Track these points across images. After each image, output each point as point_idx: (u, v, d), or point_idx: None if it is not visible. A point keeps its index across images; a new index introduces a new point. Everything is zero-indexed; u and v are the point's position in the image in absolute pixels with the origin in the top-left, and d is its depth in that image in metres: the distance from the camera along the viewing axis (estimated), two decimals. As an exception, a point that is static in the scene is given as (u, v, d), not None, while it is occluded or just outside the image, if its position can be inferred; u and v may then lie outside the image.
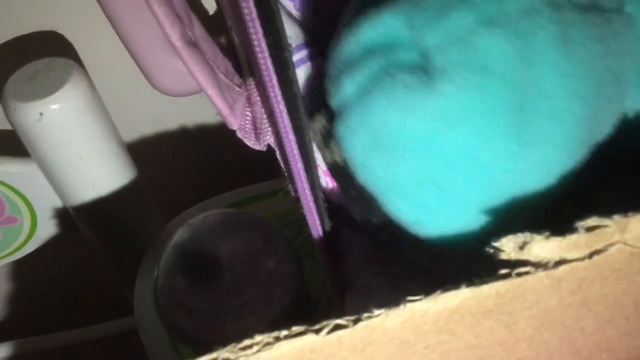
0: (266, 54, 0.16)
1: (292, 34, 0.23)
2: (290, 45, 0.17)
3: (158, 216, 0.39)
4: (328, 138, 0.21)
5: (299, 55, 0.23)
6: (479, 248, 0.17)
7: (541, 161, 0.18)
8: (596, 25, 0.18)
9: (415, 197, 0.19)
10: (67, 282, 0.48)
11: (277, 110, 0.18)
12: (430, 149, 0.18)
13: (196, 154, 0.45)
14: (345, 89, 0.19)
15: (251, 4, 0.15)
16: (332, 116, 0.20)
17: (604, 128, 0.19)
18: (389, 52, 0.18)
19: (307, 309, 0.30)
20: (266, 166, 0.27)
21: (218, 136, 0.42)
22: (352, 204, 0.22)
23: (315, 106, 0.21)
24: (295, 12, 0.25)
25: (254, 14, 0.15)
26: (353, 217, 0.24)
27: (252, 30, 0.16)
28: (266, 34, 0.16)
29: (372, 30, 0.18)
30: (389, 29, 0.18)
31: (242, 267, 0.27)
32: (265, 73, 0.17)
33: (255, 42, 0.16)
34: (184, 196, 0.40)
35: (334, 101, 0.19)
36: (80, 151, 0.32)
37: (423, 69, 0.17)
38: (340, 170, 0.21)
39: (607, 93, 0.19)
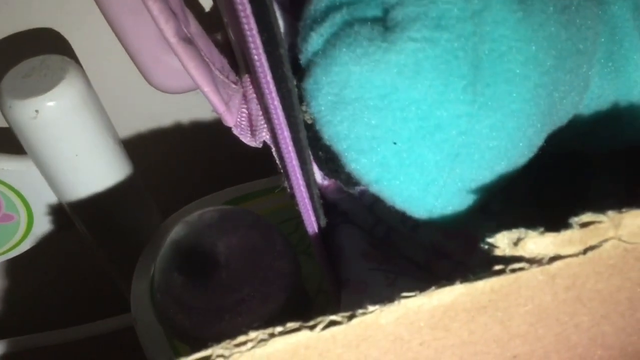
0: (260, 50, 0.16)
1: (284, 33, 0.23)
2: (284, 42, 0.17)
3: (155, 213, 0.39)
4: (300, 100, 0.21)
5: None
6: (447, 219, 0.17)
7: (498, 125, 0.18)
8: None
9: (375, 153, 0.19)
10: (63, 280, 0.48)
11: (271, 106, 0.18)
12: (389, 104, 0.18)
13: (193, 151, 0.45)
14: (311, 44, 0.19)
15: (245, 1, 0.15)
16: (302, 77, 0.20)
17: (567, 103, 0.20)
18: (352, 7, 0.18)
19: (304, 306, 0.30)
20: (263, 163, 0.26)
21: (215, 133, 0.41)
22: (321, 166, 0.22)
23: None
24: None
25: (248, 11, 0.15)
26: (349, 214, 0.24)
27: (246, 27, 0.16)
28: (260, 31, 0.16)
29: None
30: None
31: (239, 264, 0.26)
32: (259, 70, 0.17)
33: (250, 39, 0.16)
34: (181, 193, 0.39)
35: (303, 58, 0.20)
36: (76, 148, 0.32)
37: (384, 24, 0.18)
38: (310, 131, 0.21)
39: (568, 64, 0.19)
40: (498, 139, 0.18)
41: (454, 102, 0.18)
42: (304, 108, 0.20)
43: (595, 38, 0.20)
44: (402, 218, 0.22)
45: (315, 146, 0.21)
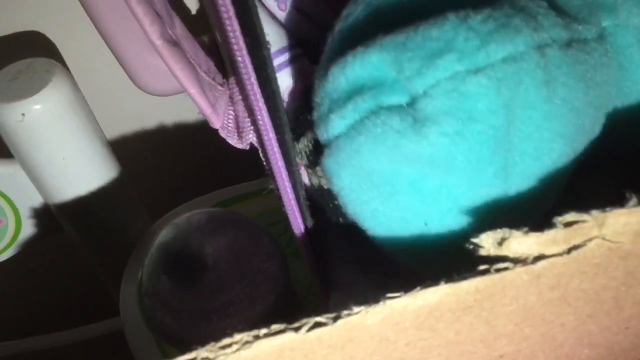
0: (244, 52, 0.16)
1: (274, 36, 0.23)
2: (268, 43, 0.17)
3: (144, 216, 0.38)
4: (314, 162, 0.21)
5: (281, 59, 0.23)
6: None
7: (523, 195, 0.18)
8: (579, 61, 0.18)
9: (402, 232, 0.19)
10: (52, 284, 0.48)
11: (256, 108, 0.18)
12: (419, 189, 0.18)
13: (182, 153, 0.45)
14: (334, 127, 0.19)
15: (228, 2, 0.15)
16: (317, 141, 0.20)
17: (580, 152, 0.20)
18: (377, 93, 0.18)
19: (293, 308, 0.29)
20: (252, 165, 0.26)
21: (203, 135, 0.41)
22: (335, 223, 0.22)
23: (299, 123, 0.21)
24: (279, 13, 0.25)
25: (231, 12, 0.15)
26: (337, 217, 0.24)
27: (229, 28, 0.15)
28: (244, 32, 0.16)
29: (359, 69, 0.18)
30: (376, 69, 0.18)
31: (227, 266, 0.26)
32: (243, 71, 0.17)
33: (233, 40, 0.16)
34: (170, 196, 0.39)
35: (322, 136, 0.19)
36: (63, 151, 0.32)
37: (412, 115, 0.17)
38: (325, 194, 0.21)
39: (587, 126, 0.19)
40: (520, 207, 0.19)
41: (487, 185, 0.18)
42: (319, 172, 0.20)
43: (610, 90, 0.20)
44: None
45: (333, 211, 0.21)
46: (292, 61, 0.23)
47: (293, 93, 0.23)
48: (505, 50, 0.17)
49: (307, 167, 0.21)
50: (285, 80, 0.23)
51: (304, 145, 0.21)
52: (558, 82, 0.18)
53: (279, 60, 0.23)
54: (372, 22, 0.19)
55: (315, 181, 0.22)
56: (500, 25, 0.17)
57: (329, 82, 0.18)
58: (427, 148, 0.17)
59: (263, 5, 0.24)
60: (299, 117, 0.22)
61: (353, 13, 0.19)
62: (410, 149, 0.17)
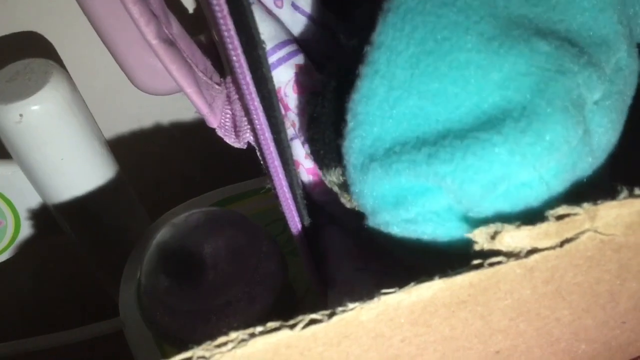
0: (239, 51, 0.16)
1: (271, 32, 0.23)
2: (263, 42, 0.17)
3: (143, 216, 0.38)
4: (346, 190, 0.21)
5: (280, 54, 0.23)
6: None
7: None
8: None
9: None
10: (51, 284, 0.48)
11: (252, 107, 0.18)
12: None
13: (180, 152, 0.45)
14: (382, 219, 0.19)
15: (222, 1, 0.15)
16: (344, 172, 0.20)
17: None
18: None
19: (292, 307, 0.29)
20: (251, 163, 0.26)
21: (202, 134, 0.41)
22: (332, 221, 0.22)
23: (316, 124, 0.21)
24: (275, 10, 0.25)
25: (225, 11, 0.15)
26: (335, 215, 0.24)
27: (223, 28, 0.16)
28: (238, 31, 0.16)
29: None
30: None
31: (226, 265, 0.26)
32: (239, 71, 0.17)
33: (228, 40, 0.16)
34: (169, 195, 0.39)
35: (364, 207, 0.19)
36: (62, 152, 0.32)
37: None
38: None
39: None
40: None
41: None
42: (338, 171, 0.20)
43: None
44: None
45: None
46: (292, 55, 0.23)
47: (297, 87, 0.23)
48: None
49: (340, 194, 0.21)
50: (286, 74, 0.23)
51: (334, 176, 0.21)
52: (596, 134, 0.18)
53: (279, 55, 0.23)
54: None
55: (348, 204, 0.22)
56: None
57: (369, 182, 0.18)
58: None
59: (259, 1, 0.24)
60: (313, 116, 0.21)
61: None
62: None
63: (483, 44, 0.17)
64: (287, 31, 0.24)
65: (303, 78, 0.23)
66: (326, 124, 0.20)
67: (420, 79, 0.17)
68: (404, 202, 0.17)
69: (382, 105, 0.17)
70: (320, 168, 0.21)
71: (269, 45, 0.22)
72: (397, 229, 0.18)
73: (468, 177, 0.16)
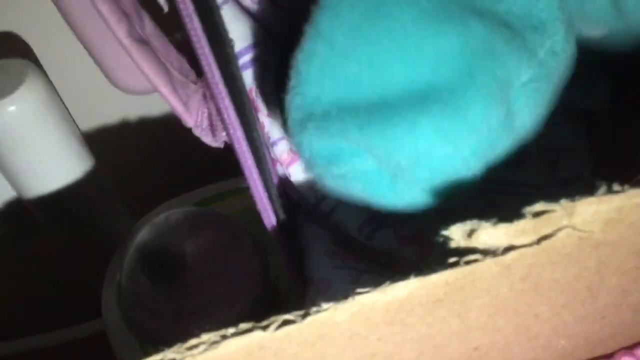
0: (206, 50, 0.16)
1: (244, 32, 0.23)
2: (232, 40, 0.16)
3: (125, 216, 0.38)
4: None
5: (251, 55, 0.23)
6: None
7: None
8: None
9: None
10: (35, 285, 0.47)
11: (222, 106, 0.17)
12: None
13: (162, 151, 0.44)
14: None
15: (187, 0, 0.15)
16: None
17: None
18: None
19: (274, 306, 0.29)
20: (232, 162, 0.26)
21: (183, 132, 0.41)
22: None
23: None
24: (252, 5, 0.25)
25: (191, 10, 0.15)
26: (313, 213, 0.24)
27: (190, 26, 0.15)
28: (205, 30, 0.15)
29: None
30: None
31: (206, 265, 0.26)
32: (207, 69, 0.17)
33: (195, 39, 0.16)
34: (153, 195, 0.39)
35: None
36: (40, 153, 0.31)
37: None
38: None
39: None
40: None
41: None
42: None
43: None
44: (359, 227, 0.22)
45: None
46: (253, 63, 0.23)
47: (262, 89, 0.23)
48: None
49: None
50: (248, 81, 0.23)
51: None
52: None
53: (250, 55, 0.22)
54: None
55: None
56: None
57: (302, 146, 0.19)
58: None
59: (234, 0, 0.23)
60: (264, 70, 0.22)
61: None
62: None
63: (423, 19, 0.18)
64: (260, 30, 0.24)
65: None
66: (273, 76, 0.21)
67: (360, 46, 0.18)
68: (336, 159, 0.19)
69: (323, 68, 0.18)
70: (269, 115, 0.22)
71: (241, 45, 0.22)
72: (331, 183, 0.20)
73: (395, 149, 0.18)
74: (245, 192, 0.35)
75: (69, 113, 0.33)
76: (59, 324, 0.42)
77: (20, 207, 0.36)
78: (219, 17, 0.16)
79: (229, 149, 0.24)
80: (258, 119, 0.22)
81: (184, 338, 0.15)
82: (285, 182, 0.23)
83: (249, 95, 0.21)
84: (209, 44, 0.16)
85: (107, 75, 0.31)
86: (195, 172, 0.42)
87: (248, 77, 0.21)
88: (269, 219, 0.21)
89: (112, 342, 0.31)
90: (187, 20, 0.15)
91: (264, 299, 0.27)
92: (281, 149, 0.23)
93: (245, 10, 0.24)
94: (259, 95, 0.22)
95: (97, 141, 0.42)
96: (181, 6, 0.15)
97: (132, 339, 0.30)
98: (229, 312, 0.26)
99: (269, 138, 0.22)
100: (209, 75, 0.17)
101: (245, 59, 0.22)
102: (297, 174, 0.23)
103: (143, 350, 0.31)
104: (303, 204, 0.23)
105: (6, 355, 0.39)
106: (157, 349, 0.29)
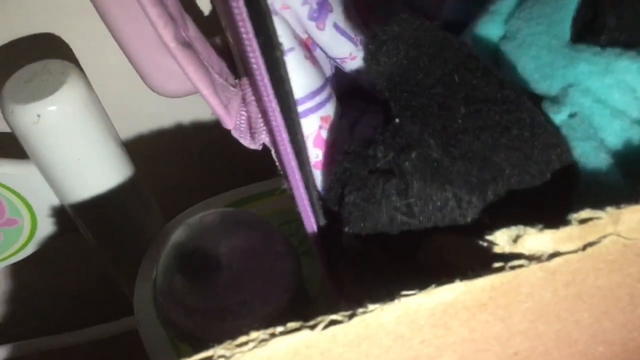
0: (257, 53, 0.16)
1: (306, 82, 0.23)
2: (281, 44, 0.17)
3: (158, 216, 0.39)
4: None
5: (307, 105, 0.23)
6: None
7: None
8: None
9: None
10: (67, 283, 0.48)
11: (269, 109, 0.18)
12: None
13: (195, 153, 0.45)
14: None
15: (241, 4, 0.15)
16: None
17: None
18: None
19: (306, 306, 0.30)
20: (265, 165, 0.27)
21: (217, 135, 0.42)
22: None
23: None
24: (317, 33, 0.24)
25: (245, 14, 0.15)
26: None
27: (242, 30, 0.16)
28: (257, 34, 0.16)
29: None
30: None
31: (240, 265, 0.27)
32: (257, 72, 0.17)
33: (247, 42, 0.16)
34: (184, 196, 0.40)
35: None
36: (78, 152, 0.32)
37: None
38: None
39: None
40: None
41: None
42: None
43: None
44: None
45: None
46: (319, 107, 0.23)
47: (317, 142, 0.23)
48: None
49: None
50: (310, 126, 0.23)
51: None
52: None
53: (306, 105, 0.23)
54: None
55: None
56: None
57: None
58: None
59: (300, 45, 0.23)
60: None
61: None
62: None
63: None
64: (322, 75, 0.24)
65: (327, 133, 0.23)
66: None
67: None
68: None
69: None
70: None
71: (301, 94, 0.22)
72: None
73: None
74: (275, 195, 0.35)
75: (107, 113, 0.33)
76: (91, 322, 0.43)
77: (56, 205, 0.36)
78: (271, 22, 0.16)
79: (261, 153, 0.24)
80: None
81: (218, 335, 0.15)
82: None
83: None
84: (259, 48, 0.16)
85: (144, 78, 0.32)
86: (228, 174, 0.43)
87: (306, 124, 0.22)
88: (310, 221, 0.21)
89: (144, 339, 0.32)
90: (240, 24, 0.15)
91: (296, 298, 0.27)
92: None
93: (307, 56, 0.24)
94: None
95: (133, 141, 0.42)
96: (235, 11, 0.15)
97: (164, 337, 0.31)
98: (262, 310, 0.26)
99: None
100: (258, 77, 0.17)
101: (300, 108, 0.22)
102: None
103: (175, 348, 0.31)
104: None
105: (40, 351, 0.39)
106: (190, 347, 0.29)
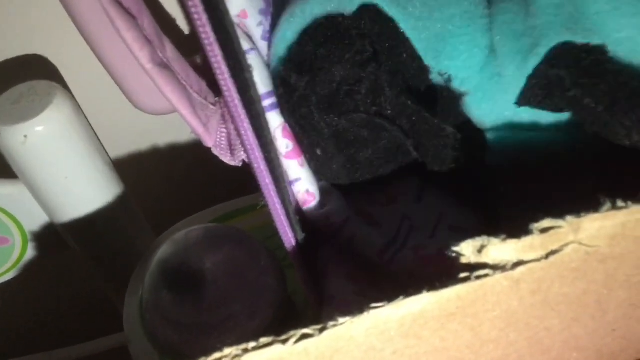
0: (227, 75, 0.17)
1: (266, 78, 0.24)
2: (250, 66, 0.17)
3: (148, 233, 0.39)
4: None
5: (271, 100, 0.24)
6: None
7: None
8: None
9: None
10: (59, 301, 0.48)
11: (242, 128, 0.18)
12: None
13: (183, 169, 0.45)
14: None
15: (208, 29, 0.16)
16: None
17: None
18: None
19: (292, 320, 0.30)
20: (250, 180, 0.27)
21: (202, 152, 0.42)
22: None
23: None
24: (261, 42, 0.25)
25: (212, 39, 0.16)
26: (332, 236, 0.25)
27: (211, 54, 0.16)
28: (226, 57, 0.16)
29: None
30: None
31: (225, 280, 0.27)
32: (227, 94, 0.17)
33: (216, 65, 0.16)
34: (174, 211, 0.40)
35: None
36: (66, 171, 0.32)
37: None
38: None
39: None
40: None
41: None
42: None
43: None
44: (379, 251, 0.22)
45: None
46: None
47: (284, 132, 0.24)
48: None
49: None
50: (276, 119, 0.24)
51: None
52: None
53: (270, 100, 0.24)
54: None
55: None
56: None
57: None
58: None
59: (254, 44, 0.24)
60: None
61: None
62: None
63: None
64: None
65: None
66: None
67: None
68: None
69: None
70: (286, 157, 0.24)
71: (263, 90, 0.23)
72: None
73: None
74: (261, 209, 0.36)
75: (95, 133, 0.34)
76: (83, 338, 0.43)
77: (47, 224, 0.37)
78: (239, 45, 0.17)
79: (245, 168, 0.24)
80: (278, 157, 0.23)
81: (204, 351, 0.15)
82: (302, 217, 0.24)
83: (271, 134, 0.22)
84: (229, 70, 0.17)
85: (128, 97, 0.32)
86: (213, 190, 0.43)
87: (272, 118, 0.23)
88: (287, 235, 0.22)
89: (133, 355, 0.32)
90: (208, 48, 0.16)
91: (282, 312, 0.27)
92: (297, 189, 0.24)
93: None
94: (275, 138, 0.23)
95: (120, 159, 0.43)
96: (203, 35, 0.16)
97: (153, 353, 0.31)
98: (248, 325, 0.26)
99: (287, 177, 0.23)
100: (229, 99, 0.17)
101: (264, 103, 0.23)
102: (312, 212, 0.24)
103: (164, 364, 0.31)
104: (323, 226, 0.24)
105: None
106: (179, 362, 0.29)
